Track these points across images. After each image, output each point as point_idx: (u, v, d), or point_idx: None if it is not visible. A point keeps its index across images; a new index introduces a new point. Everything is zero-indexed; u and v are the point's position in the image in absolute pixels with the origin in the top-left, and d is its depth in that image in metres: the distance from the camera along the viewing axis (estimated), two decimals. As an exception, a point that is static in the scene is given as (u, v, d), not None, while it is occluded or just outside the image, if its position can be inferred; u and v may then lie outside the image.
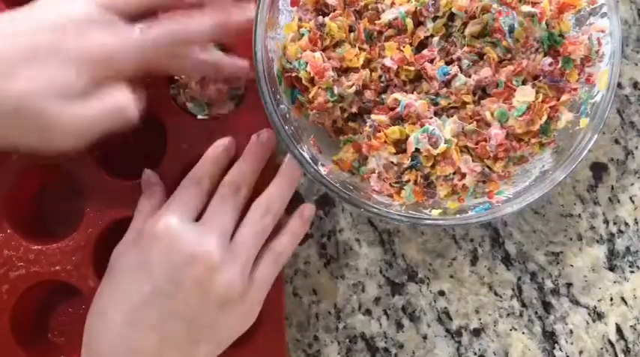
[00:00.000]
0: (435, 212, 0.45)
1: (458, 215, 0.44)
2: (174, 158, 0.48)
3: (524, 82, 0.45)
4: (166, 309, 0.41)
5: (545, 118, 0.44)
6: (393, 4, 0.45)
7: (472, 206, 0.45)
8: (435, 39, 0.45)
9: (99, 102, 0.41)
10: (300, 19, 0.47)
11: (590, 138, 0.44)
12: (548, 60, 0.45)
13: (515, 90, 0.44)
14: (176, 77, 0.49)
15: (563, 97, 0.45)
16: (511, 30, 0.44)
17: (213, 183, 0.46)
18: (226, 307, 0.42)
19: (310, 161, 0.44)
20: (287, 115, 0.45)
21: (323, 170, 0.45)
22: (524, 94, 0.44)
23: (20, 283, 0.48)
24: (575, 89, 0.45)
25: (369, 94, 0.46)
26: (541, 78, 0.45)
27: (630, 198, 0.52)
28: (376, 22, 0.46)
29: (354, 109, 0.46)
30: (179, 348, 0.41)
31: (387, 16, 0.45)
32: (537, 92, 0.45)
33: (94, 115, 0.40)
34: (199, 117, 0.49)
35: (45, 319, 0.51)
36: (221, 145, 0.47)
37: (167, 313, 0.41)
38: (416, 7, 0.45)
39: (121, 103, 0.42)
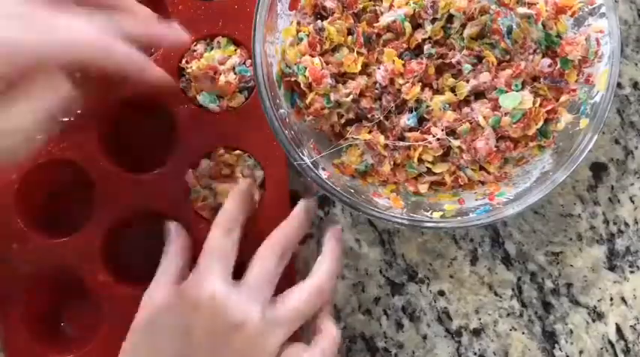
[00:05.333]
0: (436, 215, 0.45)
1: (459, 217, 0.44)
2: (184, 151, 0.49)
3: (523, 85, 0.45)
4: None
5: (541, 123, 0.45)
6: (391, 6, 0.45)
7: (473, 208, 0.45)
8: (427, 46, 0.45)
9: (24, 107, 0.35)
10: (298, 24, 0.47)
11: (590, 138, 0.44)
12: (548, 61, 0.45)
13: None
14: (187, 70, 0.50)
15: (563, 98, 0.45)
16: (509, 31, 0.44)
17: (242, 230, 0.45)
18: None
19: (311, 165, 0.44)
20: (287, 119, 0.45)
21: (324, 174, 0.45)
22: (514, 99, 0.44)
23: (31, 278, 0.49)
24: (574, 90, 0.45)
25: (364, 103, 0.46)
26: (541, 79, 0.45)
27: (630, 198, 0.52)
28: (375, 24, 0.46)
29: (351, 115, 0.47)
30: None
31: (385, 19, 0.45)
32: (536, 95, 0.45)
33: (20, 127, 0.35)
34: (210, 109, 0.50)
35: (56, 313, 0.52)
36: (244, 187, 0.47)
37: None
38: (414, 10, 0.45)
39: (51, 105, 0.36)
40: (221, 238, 0.44)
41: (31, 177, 0.49)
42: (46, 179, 0.51)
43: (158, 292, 0.44)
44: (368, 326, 0.51)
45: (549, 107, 0.45)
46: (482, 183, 0.47)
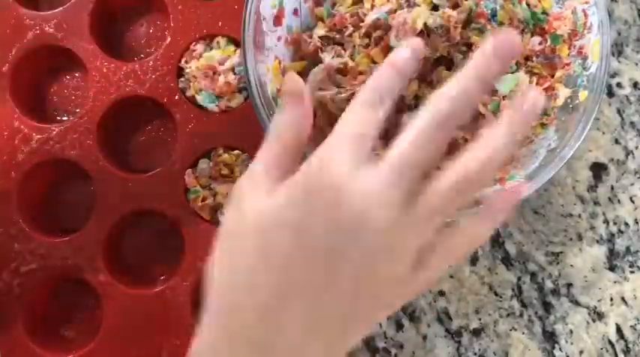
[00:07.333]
0: None
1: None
2: (183, 151, 0.49)
3: (517, 66, 0.45)
4: (320, 286, 0.31)
5: None
6: (373, 6, 0.45)
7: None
8: None
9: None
10: (278, 61, 0.46)
11: (591, 110, 0.43)
12: (538, 39, 0.45)
13: None
14: (186, 70, 0.50)
15: (558, 74, 0.45)
16: (494, 14, 0.44)
17: (393, 105, 0.33)
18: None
19: None
20: None
21: None
22: (510, 82, 0.44)
23: (31, 277, 0.49)
24: (568, 64, 0.45)
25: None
26: (534, 58, 0.45)
27: (630, 198, 0.52)
28: (361, 24, 0.46)
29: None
30: (326, 338, 0.31)
31: (370, 17, 0.45)
32: (531, 74, 0.45)
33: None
34: (209, 109, 0.50)
35: (57, 312, 0.51)
36: (408, 50, 0.34)
37: (321, 288, 0.31)
38: (399, 5, 0.45)
39: None
40: (361, 111, 0.33)
41: (31, 177, 0.49)
42: (46, 179, 0.51)
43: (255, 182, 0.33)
44: (368, 326, 0.51)
45: (546, 84, 0.45)
46: None
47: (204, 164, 0.49)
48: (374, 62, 0.45)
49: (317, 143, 0.47)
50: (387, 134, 0.46)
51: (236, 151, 0.50)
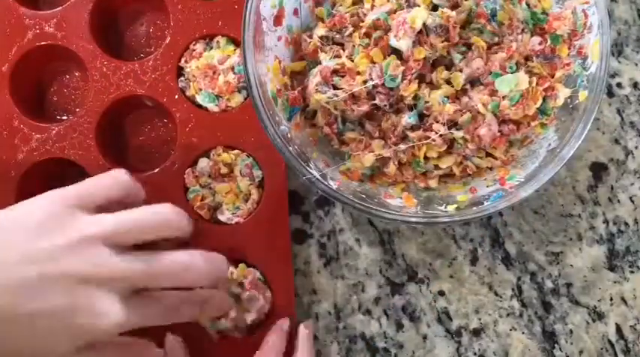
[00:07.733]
0: (451, 208, 0.44)
1: (474, 208, 0.43)
2: (183, 150, 0.49)
3: (517, 66, 0.45)
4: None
5: (540, 101, 0.44)
6: (373, 6, 0.46)
7: (486, 196, 0.44)
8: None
9: None
10: (278, 61, 0.47)
11: (591, 110, 0.43)
12: (537, 39, 0.45)
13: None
14: (186, 70, 0.50)
15: (558, 74, 0.45)
16: (494, 14, 0.44)
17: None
18: None
19: (320, 178, 0.43)
20: (289, 135, 0.44)
21: (334, 185, 0.44)
22: (510, 82, 0.44)
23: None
24: (568, 64, 0.45)
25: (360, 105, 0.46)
26: (534, 58, 0.45)
27: (630, 198, 0.52)
28: (361, 24, 0.46)
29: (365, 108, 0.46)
30: None
31: (370, 17, 0.45)
32: (531, 74, 0.45)
33: None
34: (208, 109, 0.50)
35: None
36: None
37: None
38: (399, 5, 0.45)
39: None
40: None
41: (30, 176, 0.49)
42: (46, 179, 0.51)
43: None
44: (368, 326, 0.50)
45: (546, 85, 0.45)
46: (491, 169, 0.47)
47: (203, 163, 0.49)
48: (373, 62, 0.45)
49: (318, 143, 0.48)
50: (386, 134, 0.46)
51: (235, 151, 0.50)
